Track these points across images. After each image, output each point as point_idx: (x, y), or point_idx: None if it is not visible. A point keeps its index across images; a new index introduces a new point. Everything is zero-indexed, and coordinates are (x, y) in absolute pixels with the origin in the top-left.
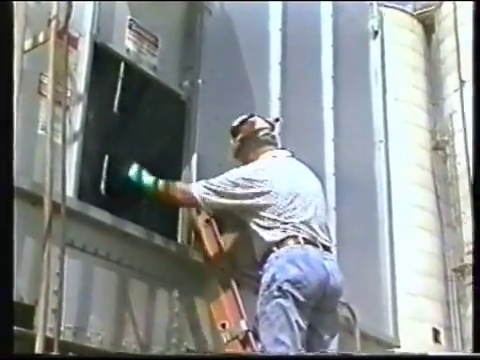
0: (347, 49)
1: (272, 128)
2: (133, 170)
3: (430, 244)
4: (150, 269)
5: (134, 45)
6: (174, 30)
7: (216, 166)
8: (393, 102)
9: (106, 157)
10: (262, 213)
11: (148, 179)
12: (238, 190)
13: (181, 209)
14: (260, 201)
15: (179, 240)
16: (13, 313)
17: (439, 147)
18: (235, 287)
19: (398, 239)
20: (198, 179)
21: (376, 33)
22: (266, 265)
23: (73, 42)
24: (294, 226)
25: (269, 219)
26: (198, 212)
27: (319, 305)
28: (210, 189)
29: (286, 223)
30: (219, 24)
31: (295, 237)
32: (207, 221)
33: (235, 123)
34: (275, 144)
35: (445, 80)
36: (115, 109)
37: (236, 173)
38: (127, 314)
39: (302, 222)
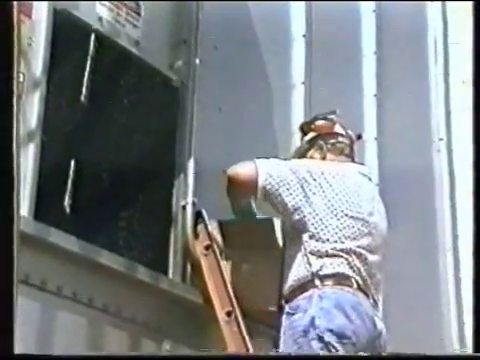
0: (395, 16)
1: (351, 143)
2: None
3: None
4: (132, 313)
5: (109, 12)
6: None
7: (219, 174)
8: (459, 85)
9: (72, 163)
10: (315, 229)
11: None
12: (302, 189)
13: (172, 233)
14: (323, 210)
15: (170, 274)
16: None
17: None
18: (246, 337)
19: (466, 272)
20: (195, 191)
21: None
22: (301, 302)
23: (26, 9)
24: (349, 262)
25: (322, 241)
26: (196, 236)
27: None
28: (273, 176)
29: (341, 255)
30: None
31: (348, 277)
32: (207, 248)
33: (309, 119)
34: (351, 159)
35: None
36: (83, 98)
37: (303, 165)
38: None
39: (360, 261)
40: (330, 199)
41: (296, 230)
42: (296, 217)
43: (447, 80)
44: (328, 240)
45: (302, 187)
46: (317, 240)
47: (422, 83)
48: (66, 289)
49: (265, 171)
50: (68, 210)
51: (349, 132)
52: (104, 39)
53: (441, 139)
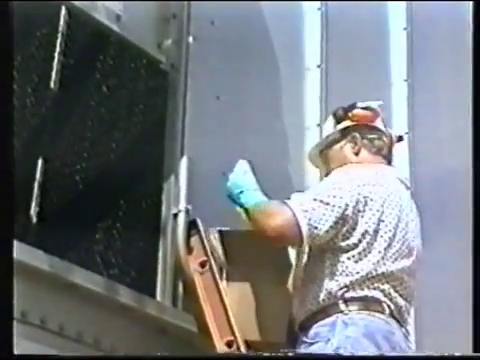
0: None
1: (390, 143)
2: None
3: None
4: (112, 343)
5: None
6: None
7: (218, 176)
8: None
9: (40, 162)
10: (359, 253)
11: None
12: (351, 223)
13: (160, 246)
14: (370, 233)
15: (158, 297)
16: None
17: None
18: None
19: None
20: (189, 197)
21: None
22: (321, 330)
23: None
24: (380, 285)
25: (362, 262)
26: (189, 250)
27: None
28: (313, 218)
29: (379, 278)
30: None
31: (379, 302)
32: (203, 264)
33: (346, 106)
34: (388, 163)
35: None
36: (53, 85)
37: (345, 189)
38: None
39: (398, 285)
40: (377, 218)
41: (333, 251)
42: (340, 243)
43: None
44: (370, 261)
45: (350, 221)
46: (356, 262)
47: (464, 66)
48: (32, 315)
49: (308, 224)
50: (35, 219)
51: (390, 131)
52: (78, 13)
53: None
